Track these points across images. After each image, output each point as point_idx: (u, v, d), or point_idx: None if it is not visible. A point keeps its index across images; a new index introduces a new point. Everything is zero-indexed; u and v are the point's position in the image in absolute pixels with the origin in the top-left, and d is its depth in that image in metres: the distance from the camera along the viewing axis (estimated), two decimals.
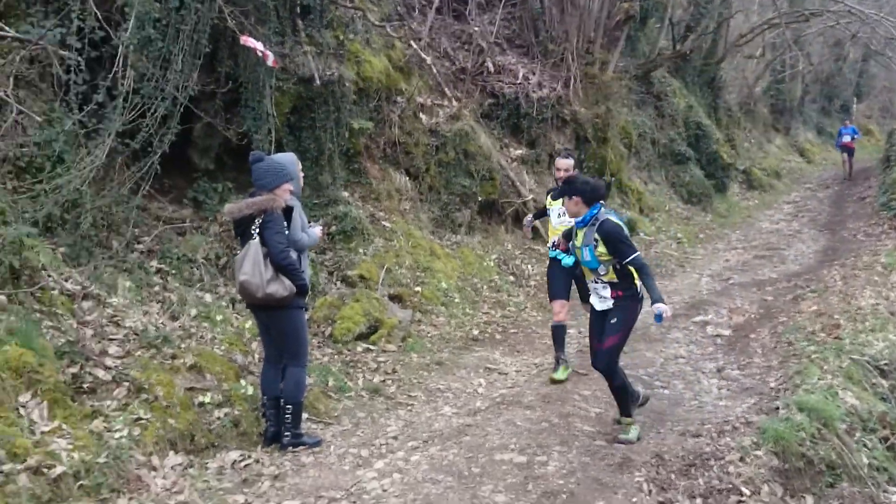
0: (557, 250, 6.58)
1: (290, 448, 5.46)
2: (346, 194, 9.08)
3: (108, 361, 5.23)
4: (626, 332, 5.61)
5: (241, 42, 7.29)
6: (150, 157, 6.76)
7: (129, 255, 6.56)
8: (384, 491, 4.86)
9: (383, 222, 9.39)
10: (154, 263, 6.76)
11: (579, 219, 5.59)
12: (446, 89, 11.64)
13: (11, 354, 4.62)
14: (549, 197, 7.20)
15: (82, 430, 4.63)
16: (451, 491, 4.85)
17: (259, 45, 7.29)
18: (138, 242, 6.79)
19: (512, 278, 10.68)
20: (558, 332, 7.09)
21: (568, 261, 6.77)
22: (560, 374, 6.99)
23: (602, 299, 5.65)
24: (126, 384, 5.15)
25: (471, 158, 11.06)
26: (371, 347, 7.50)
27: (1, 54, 6.22)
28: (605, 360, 5.57)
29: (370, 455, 5.47)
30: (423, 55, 11.42)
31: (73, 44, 6.31)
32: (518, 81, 12.71)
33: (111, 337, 5.51)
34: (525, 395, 6.68)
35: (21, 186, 5.91)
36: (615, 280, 5.54)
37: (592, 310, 5.80)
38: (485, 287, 10.06)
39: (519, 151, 12.22)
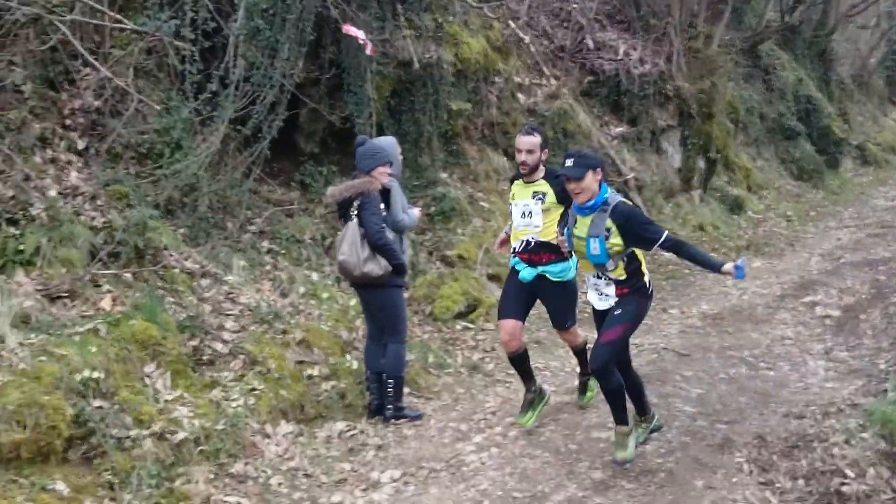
0: (517, 258, 5.31)
1: (393, 420, 5.67)
2: (444, 175, 9.23)
3: (225, 335, 5.58)
4: (631, 327, 4.76)
5: (343, 31, 7.52)
6: (261, 142, 7.10)
7: (242, 235, 6.91)
8: (482, 464, 5.00)
9: (481, 203, 9.49)
10: (265, 244, 7.10)
11: (585, 204, 4.58)
12: (545, 68, 11.59)
13: (138, 328, 4.99)
14: (512, 187, 5.43)
15: (202, 399, 4.97)
16: (548, 466, 4.94)
17: (360, 34, 7.50)
18: (251, 224, 7.14)
19: None
20: (518, 363, 5.49)
21: (527, 274, 5.26)
22: (526, 419, 5.47)
23: (603, 297, 4.80)
24: (241, 357, 5.48)
25: (570, 137, 11.00)
26: (470, 326, 7.64)
27: (121, 46, 6.63)
28: (604, 357, 4.62)
29: (469, 429, 5.61)
30: (521, 34, 11.40)
31: (187, 35, 6.67)
32: (618, 58, 12.51)
33: (227, 312, 5.85)
34: None
35: (143, 171, 6.32)
36: (622, 277, 4.68)
37: (592, 309, 4.99)
38: None
39: (620, 129, 12.06)
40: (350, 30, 7.51)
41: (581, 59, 12.40)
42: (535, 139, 5.13)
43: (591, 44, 12.58)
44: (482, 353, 7.21)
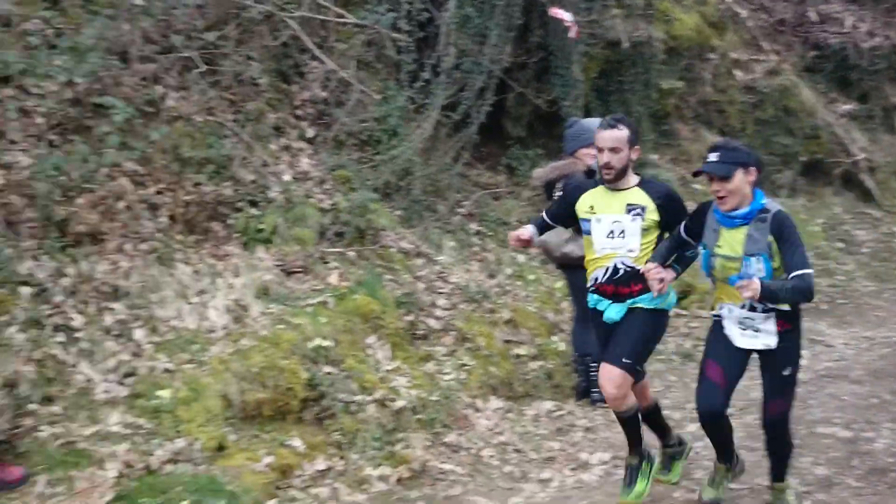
0: (597, 293, 4.09)
1: (600, 404, 5.63)
2: (654, 157, 9.01)
3: (438, 312, 5.83)
4: (796, 383, 3.90)
5: (550, 14, 7.54)
6: (469, 127, 7.30)
7: (452, 217, 7.17)
8: (696, 453, 4.86)
9: (694, 185, 9.17)
10: (473, 226, 7.31)
11: (736, 213, 3.63)
12: (763, 43, 10.97)
13: (360, 302, 5.34)
14: (583, 199, 4.15)
15: (418, 371, 5.23)
16: (766, 460, 4.72)
17: (567, 16, 7.49)
18: (460, 206, 7.39)
19: (840, 244, 9.83)
20: (652, 419, 4.40)
21: (614, 313, 4.03)
22: (671, 476, 4.47)
23: (756, 334, 3.74)
24: (453, 333, 5.71)
25: (792, 115, 10.35)
26: (683, 312, 7.41)
27: (344, 39, 7.08)
28: (784, 427, 3.90)
29: (682, 417, 5.46)
30: (737, 9, 10.86)
31: (402, 26, 6.98)
32: (845, 30, 11.57)
33: (439, 291, 6.10)
34: (853, 368, 6.23)
35: (364, 157, 6.73)
36: (787, 307, 3.69)
37: (726, 344, 3.85)
38: (810, 254, 9.44)
39: (848, 106, 11.16)
40: (557, 12, 7.52)
41: (803, 32, 11.58)
42: (621, 133, 3.95)
43: (813, 16, 11.71)
44: (695, 341, 6.96)
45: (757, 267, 3.55)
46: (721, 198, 3.60)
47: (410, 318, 5.64)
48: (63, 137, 5.20)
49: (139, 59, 5.86)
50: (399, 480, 4.37)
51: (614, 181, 3.98)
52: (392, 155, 6.73)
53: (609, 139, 3.94)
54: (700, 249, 3.84)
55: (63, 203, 4.87)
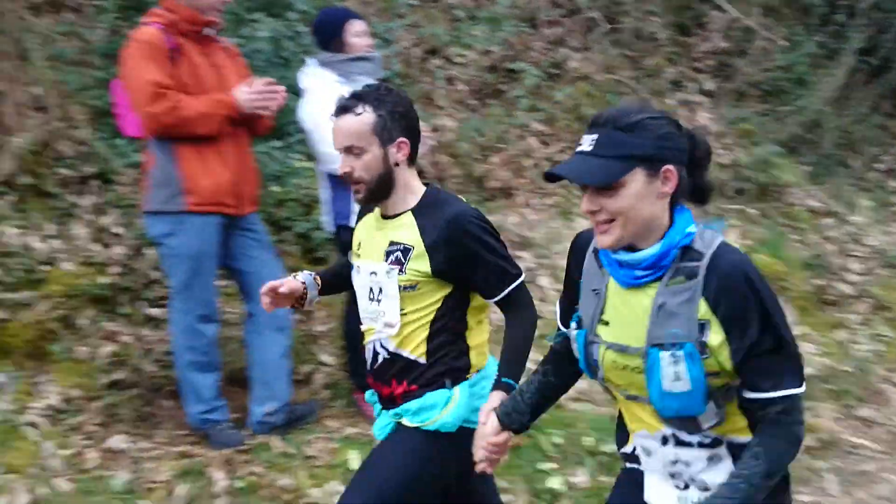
0: (369, 382, 2.40)
1: None
2: None
3: (851, 277, 5.38)
4: None
5: None
6: (890, 73, 6.64)
7: (868, 174, 6.56)
8: None
9: None
10: (893, 183, 6.57)
11: (636, 255, 1.67)
12: None
13: (762, 263, 5.09)
14: (359, 224, 2.42)
15: (828, 339, 4.89)
16: None
17: None
18: (878, 161, 6.69)
19: None
20: None
21: (377, 428, 2.43)
22: None
23: (685, 494, 1.77)
24: (869, 301, 5.24)
25: None
26: None
27: None
28: None
29: None
30: None
31: None
32: None
33: (852, 254, 5.61)
34: None
35: (767, 109, 6.41)
36: (745, 438, 1.70)
37: None
38: None
39: None
40: None
41: None
42: (361, 119, 2.18)
43: None
44: None
45: (669, 373, 1.63)
46: (602, 224, 1.67)
47: (819, 281, 5.27)
48: (481, 102, 5.73)
49: (546, 23, 6.21)
50: (806, 449, 4.15)
51: (366, 201, 2.29)
52: (799, 106, 6.36)
53: (339, 134, 2.21)
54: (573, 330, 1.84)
55: (480, 161, 5.39)
